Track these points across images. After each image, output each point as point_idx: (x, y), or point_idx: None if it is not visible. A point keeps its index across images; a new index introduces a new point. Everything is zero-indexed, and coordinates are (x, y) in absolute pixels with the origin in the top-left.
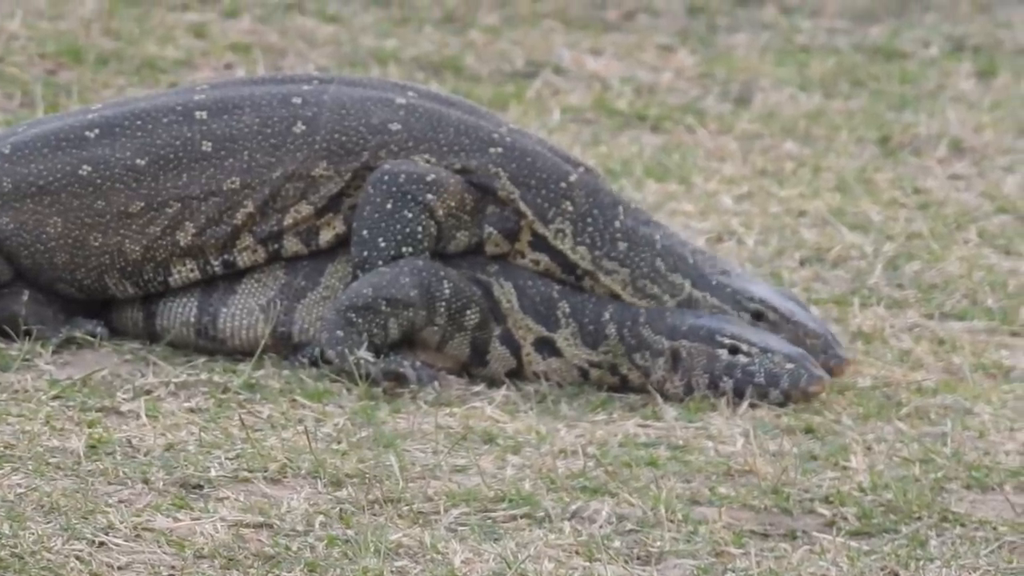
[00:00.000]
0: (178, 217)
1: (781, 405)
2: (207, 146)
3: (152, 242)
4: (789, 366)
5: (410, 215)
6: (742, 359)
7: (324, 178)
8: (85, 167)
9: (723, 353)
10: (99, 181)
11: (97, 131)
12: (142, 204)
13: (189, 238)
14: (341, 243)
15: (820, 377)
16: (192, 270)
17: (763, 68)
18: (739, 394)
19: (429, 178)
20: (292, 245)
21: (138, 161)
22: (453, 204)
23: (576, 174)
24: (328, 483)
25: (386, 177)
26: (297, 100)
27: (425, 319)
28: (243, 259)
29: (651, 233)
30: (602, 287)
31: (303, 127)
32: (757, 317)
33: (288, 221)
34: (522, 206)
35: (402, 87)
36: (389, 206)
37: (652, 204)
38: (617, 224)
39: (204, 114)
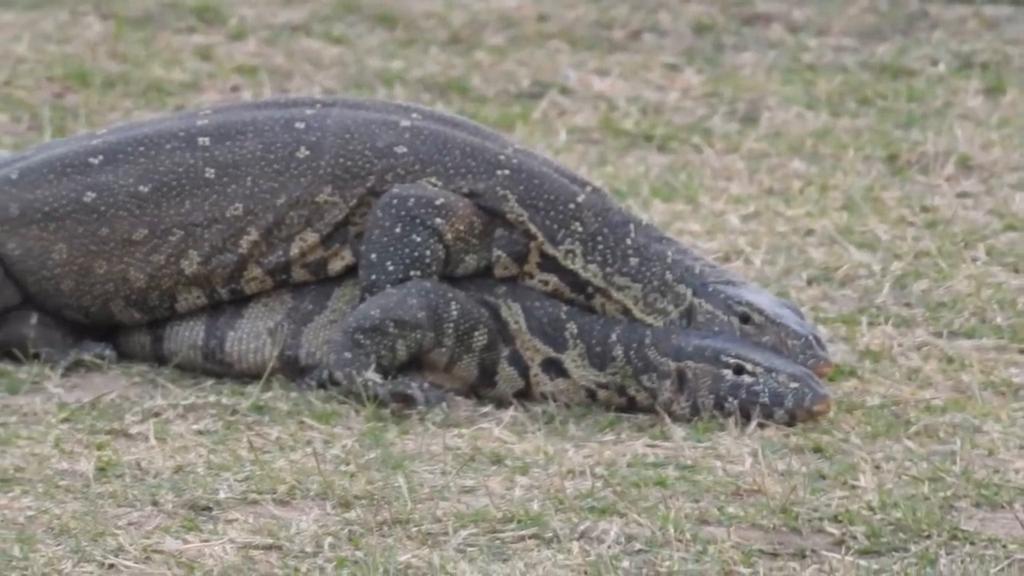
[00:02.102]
0: (182, 245)
1: (788, 424)
2: (210, 172)
3: (157, 270)
4: (793, 385)
5: (419, 239)
6: (747, 379)
7: (329, 204)
8: (89, 194)
9: (728, 373)
10: (103, 208)
11: (101, 157)
12: (146, 231)
13: (195, 267)
14: (352, 272)
15: (824, 396)
16: (199, 297)
17: (770, 87)
18: (745, 414)
19: (438, 202)
20: (300, 276)
21: (141, 188)
22: (462, 228)
23: (584, 194)
24: (337, 504)
25: (395, 201)
26: (300, 125)
27: (433, 340)
28: (250, 288)
29: (663, 249)
30: (614, 303)
31: (307, 152)
32: (744, 320)
33: (295, 251)
34: (532, 228)
35: (405, 108)
36: (398, 230)
37: (659, 224)
38: (628, 241)
39: (207, 140)
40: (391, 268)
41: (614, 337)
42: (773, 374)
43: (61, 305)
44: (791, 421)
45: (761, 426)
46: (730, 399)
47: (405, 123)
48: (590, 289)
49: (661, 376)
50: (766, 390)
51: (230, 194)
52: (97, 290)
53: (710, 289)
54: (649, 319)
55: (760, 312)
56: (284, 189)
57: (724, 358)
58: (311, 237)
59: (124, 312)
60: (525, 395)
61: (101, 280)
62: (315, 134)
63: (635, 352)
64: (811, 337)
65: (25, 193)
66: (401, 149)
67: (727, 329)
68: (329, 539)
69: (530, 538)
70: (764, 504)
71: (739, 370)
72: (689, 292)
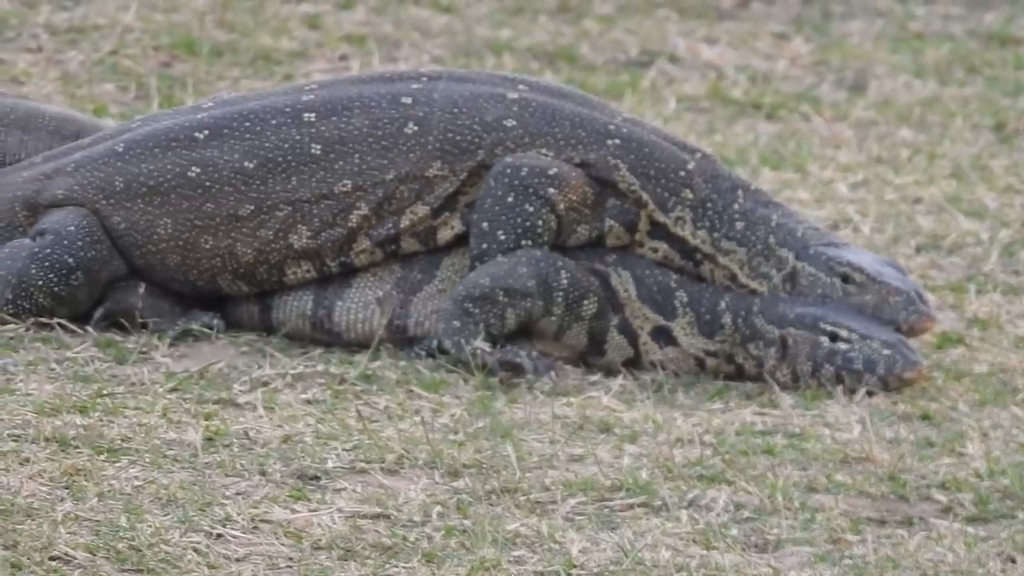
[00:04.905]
0: (289, 220)
1: (885, 390)
2: (316, 149)
3: (265, 245)
4: (886, 352)
5: (531, 209)
6: (842, 346)
7: (439, 178)
8: (194, 168)
9: (825, 340)
10: (208, 183)
11: (206, 132)
12: (252, 207)
13: (304, 241)
14: (461, 242)
15: (916, 363)
16: (308, 271)
17: (878, 55)
18: (839, 380)
19: (551, 172)
20: (409, 246)
21: (246, 164)
22: (575, 198)
23: (694, 161)
24: (445, 473)
25: (508, 170)
26: (407, 100)
27: (542, 309)
28: (360, 260)
29: (768, 213)
30: (721, 269)
31: (415, 127)
32: (845, 280)
33: (405, 223)
34: (643, 196)
35: (512, 80)
36: (510, 199)
37: (768, 192)
38: (736, 207)
39: (313, 116)
40: (502, 237)
41: (723, 305)
42: (867, 341)
43: (167, 279)
44: (884, 387)
45: (869, 394)
46: (826, 366)
47: (513, 95)
48: (698, 256)
49: (767, 344)
50: (860, 357)
51: (338, 170)
52: (204, 265)
53: (811, 252)
54: (754, 284)
55: (861, 271)
56: (393, 165)
57: (822, 325)
58: (422, 210)
59: (232, 286)
60: (634, 363)
61: (208, 255)
62: (422, 109)
63: (743, 320)
64: (913, 293)
65: (130, 167)
66: (510, 122)
67: (830, 290)
68: (437, 508)
69: (639, 506)
70: (872, 472)
71: (834, 337)
72: (791, 256)
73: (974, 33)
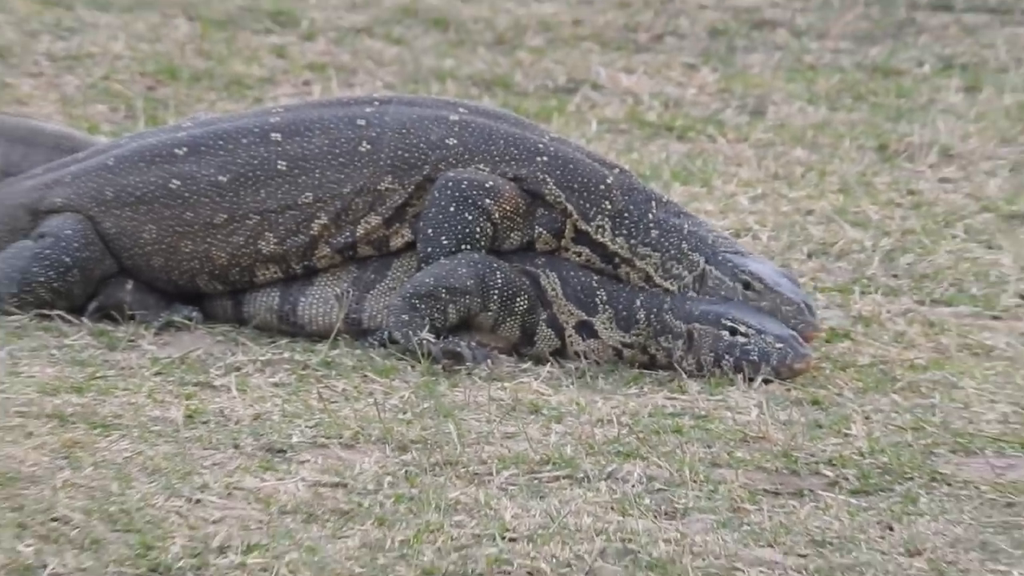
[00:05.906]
0: (258, 228)
1: (779, 379)
2: (282, 165)
3: (237, 250)
4: (779, 346)
5: (470, 217)
6: (740, 339)
7: (390, 191)
8: (175, 181)
9: (725, 334)
10: (187, 194)
11: (185, 149)
12: (225, 216)
13: (271, 247)
14: (410, 247)
15: (805, 355)
16: (276, 272)
17: (776, 84)
18: (737, 369)
19: (488, 185)
20: (365, 252)
21: (221, 177)
22: (508, 208)
23: (613, 176)
24: (395, 448)
25: (450, 183)
26: (361, 121)
27: (480, 305)
28: (321, 264)
29: (680, 223)
30: (637, 271)
31: (368, 146)
32: (745, 287)
33: (360, 232)
34: (568, 207)
35: (453, 104)
36: (452, 209)
37: (678, 204)
38: (650, 216)
39: (279, 136)
40: (445, 242)
41: (638, 303)
42: (762, 335)
43: (152, 278)
44: (778, 376)
45: (766, 382)
46: (726, 357)
47: (454, 117)
48: (617, 260)
49: (676, 337)
50: (756, 349)
51: (301, 184)
52: (184, 266)
53: (720, 258)
54: (667, 283)
55: (760, 280)
56: (349, 179)
57: (723, 321)
58: (375, 219)
59: (208, 285)
60: (560, 353)
61: (187, 258)
62: (375, 130)
63: (655, 316)
64: (803, 304)
65: (119, 178)
66: (452, 141)
67: (732, 294)
68: (388, 478)
69: (564, 478)
70: (768, 450)
71: (733, 331)
72: (702, 260)
73: (861, 65)
